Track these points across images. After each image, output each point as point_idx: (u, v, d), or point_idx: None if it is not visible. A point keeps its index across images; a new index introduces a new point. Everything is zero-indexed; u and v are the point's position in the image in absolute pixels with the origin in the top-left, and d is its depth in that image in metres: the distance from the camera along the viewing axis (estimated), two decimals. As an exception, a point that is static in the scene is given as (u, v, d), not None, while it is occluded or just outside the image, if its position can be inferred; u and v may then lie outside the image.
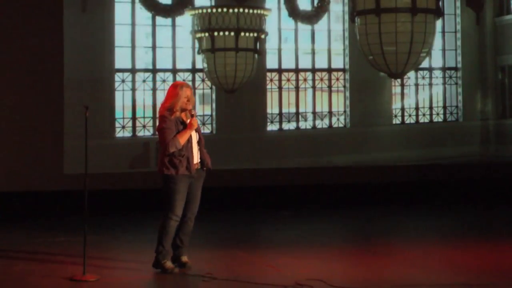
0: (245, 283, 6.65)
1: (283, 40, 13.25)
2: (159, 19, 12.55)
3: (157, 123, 7.30)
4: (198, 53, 12.49)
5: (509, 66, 13.94)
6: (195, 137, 7.24)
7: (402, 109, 13.68)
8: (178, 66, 12.63)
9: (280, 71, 13.15)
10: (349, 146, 13.32)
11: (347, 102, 13.33)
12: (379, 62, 11.65)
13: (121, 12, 12.28)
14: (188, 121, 7.16)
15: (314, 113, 13.30)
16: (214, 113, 12.67)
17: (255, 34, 12.37)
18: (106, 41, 12.10)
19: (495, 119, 13.89)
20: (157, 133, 7.27)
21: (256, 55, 12.45)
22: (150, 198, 11.37)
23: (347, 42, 13.29)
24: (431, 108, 13.85)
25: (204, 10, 12.38)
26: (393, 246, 8.84)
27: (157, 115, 7.71)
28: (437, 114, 13.87)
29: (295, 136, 13.16)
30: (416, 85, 13.79)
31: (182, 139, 7.07)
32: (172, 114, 7.11)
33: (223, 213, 11.26)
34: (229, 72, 12.25)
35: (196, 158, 7.22)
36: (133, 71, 12.38)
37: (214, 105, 12.68)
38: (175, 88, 7.21)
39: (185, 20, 12.58)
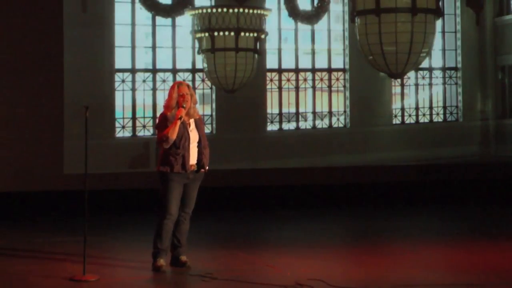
0: (245, 283, 6.65)
1: (283, 40, 13.24)
2: (159, 19, 12.55)
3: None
4: (198, 53, 12.49)
5: (509, 66, 13.94)
6: (195, 137, 7.23)
7: (402, 109, 13.68)
8: (178, 66, 12.63)
9: (280, 71, 13.15)
10: (349, 146, 13.32)
11: (347, 102, 13.33)
12: (379, 62, 11.64)
13: (121, 12, 12.28)
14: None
15: (314, 113, 13.29)
16: (214, 113, 12.67)
17: (255, 34, 12.37)
18: (106, 41, 12.10)
19: (495, 119, 13.89)
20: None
21: (256, 55, 12.44)
22: (150, 198, 11.38)
23: (347, 42, 13.29)
24: (431, 108, 13.84)
25: (204, 10, 12.38)
26: (393, 246, 8.84)
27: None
28: (437, 114, 13.87)
29: (295, 136, 13.16)
30: (416, 85, 13.78)
31: (170, 132, 7.06)
32: (167, 112, 7.15)
33: (223, 213, 11.26)
34: (229, 72, 12.24)
35: (193, 159, 7.22)
36: (133, 71, 12.37)
37: (214, 105, 12.67)
38: (170, 89, 7.29)
39: (185, 20, 12.57)
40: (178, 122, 7.07)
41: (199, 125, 7.31)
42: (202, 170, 7.28)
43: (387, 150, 13.35)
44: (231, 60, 12.24)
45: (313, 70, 13.33)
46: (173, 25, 12.63)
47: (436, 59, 13.85)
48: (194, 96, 7.29)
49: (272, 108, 13.06)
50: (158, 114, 7.43)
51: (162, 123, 7.16)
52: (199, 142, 7.26)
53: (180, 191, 7.17)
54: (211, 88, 12.68)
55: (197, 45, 12.49)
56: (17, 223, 10.55)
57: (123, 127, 12.24)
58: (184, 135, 7.12)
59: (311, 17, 13.20)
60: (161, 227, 7.14)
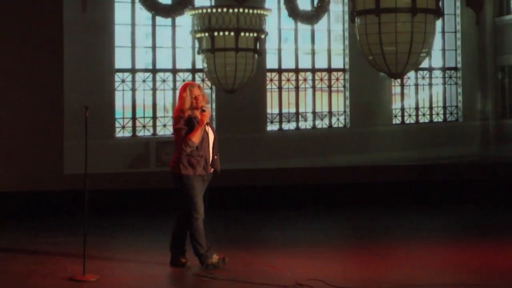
0: (245, 283, 6.65)
1: (283, 40, 13.24)
2: (159, 19, 12.55)
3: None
4: (198, 53, 12.49)
5: (509, 66, 13.93)
6: (211, 138, 7.25)
7: (402, 109, 13.68)
8: (178, 66, 12.63)
9: (280, 71, 13.15)
10: (349, 146, 13.32)
11: (347, 102, 13.33)
12: (379, 62, 11.63)
13: (121, 12, 12.28)
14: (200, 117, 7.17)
15: (314, 113, 13.29)
16: (214, 113, 12.66)
17: (255, 34, 12.37)
18: (106, 41, 12.10)
19: (495, 119, 13.89)
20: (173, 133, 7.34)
21: (256, 55, 12.44)
22: (150, 198, 11.39)
23: (347, 42, 13.29)
24: (431, 108, 13.84)
25: (204, 10, 12.38)
26: (393, 246, 8.84)
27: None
28: (437, 114, 13.87)
29: (295, 136, 13.15)
30: (416, 85, 13.78)
31: (195, 137, 7.07)
32: (184, 114, 7.13)
33: (223, 213, 11.26)
34: (229, 72, 12.24)
35: (209, 160, 7.24)
36: (133, 71, 12.38)
37: (214, 105, 12.67)
38: (182, 91, 7.26)
39: (185, 20, 12.58)
40: (203, 127, 7.08)
41: (211, 125, 7.34)
42: (216, 170, 7.29)
43: (387, 150, 13.35)
44: (231, 60, 12.24)
45: (313, 70, 13.33)
46: (173, 25, 12.63)
47: (436, 59, 13.85)
48: (205, 96, 7.32)
49: (272, 108, 13.06)
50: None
51: (182, 126, 7.10)
52: (213, 144, 7.28)
53: (202, 191, 7.21)
54: (211, 88, 12.67)
55: (197, 45, 12.49)
56: (17, 223, 10.55)
57: (123, 127, 12.24)
58: (203, 137, 7.14)
59: (311, 17, 13.20)
60: (196, 230, 7.13)
